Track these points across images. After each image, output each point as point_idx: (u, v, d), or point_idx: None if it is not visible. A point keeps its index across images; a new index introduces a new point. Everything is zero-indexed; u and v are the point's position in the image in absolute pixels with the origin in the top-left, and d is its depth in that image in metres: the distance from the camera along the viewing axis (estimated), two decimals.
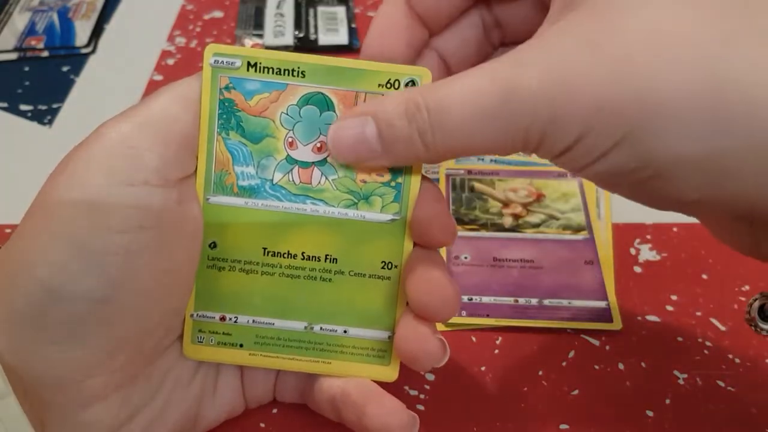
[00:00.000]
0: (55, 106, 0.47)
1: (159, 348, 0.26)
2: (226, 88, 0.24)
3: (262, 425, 0.29)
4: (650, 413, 0.30)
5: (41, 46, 0.51)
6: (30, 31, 0.53)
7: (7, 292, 0.22)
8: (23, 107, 0.47)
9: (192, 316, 0.26)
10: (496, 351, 0.32)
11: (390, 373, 0.27)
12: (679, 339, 0.32)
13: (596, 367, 0.31)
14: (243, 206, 0.25)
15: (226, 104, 0.25)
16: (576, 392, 0.30)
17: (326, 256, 0.26)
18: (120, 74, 0.49)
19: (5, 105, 0.47)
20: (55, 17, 0.54)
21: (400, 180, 0.25)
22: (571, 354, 0.32)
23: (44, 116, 0.46)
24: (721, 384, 0.30)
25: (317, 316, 0.26)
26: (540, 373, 0.31)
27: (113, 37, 0.53)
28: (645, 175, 0.20)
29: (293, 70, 0.25)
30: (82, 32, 0.52)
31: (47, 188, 0.23)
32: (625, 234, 0.37)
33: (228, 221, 0.25)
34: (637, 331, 0.33)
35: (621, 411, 0.30)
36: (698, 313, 0.33)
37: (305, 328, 0.26)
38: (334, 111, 0.25)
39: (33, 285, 0.22)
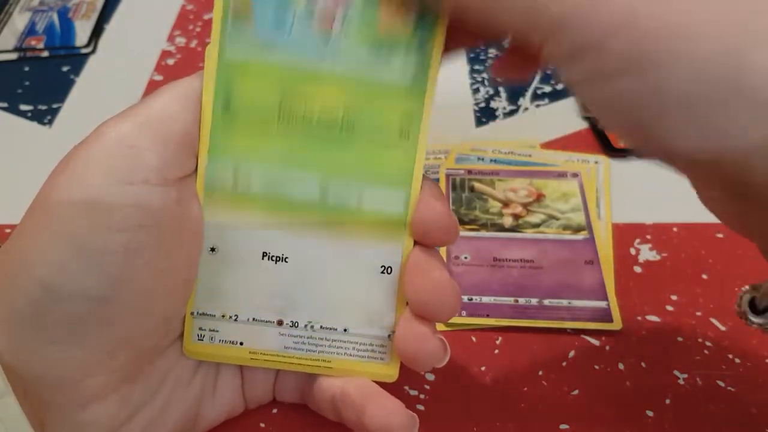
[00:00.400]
0: (55, 106, 0.47)
1: (159, 347, 0.26)
2: None
3: (262, 425, 0.29)
4: (650, 413, 0.30)
5: (41, 46, 0.51)
6: (30, 31, 0.53)
7: (7, 291, 0.22)
8: (23, 107, 0.47)
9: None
10: (496, 351, 0.32)
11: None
12: (679, 339, 0.32)
13: (596, 367, 0.31)
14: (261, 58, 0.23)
15: None
16: (576, 392, 0.30)
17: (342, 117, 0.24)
18: (120, 74, 0.49)
19: (5, 105, 0.47)
20: (55, 17, 0.54)
21: (422, 37, 0.23)
22: (571, 354, 0.32)
23: (44, 116, 0.46)
24: (721, 384, 0.30)
25: (332, 174, 0.24)
26: (540, 373, 0.31)
27: (113, 37, 0.53)
28: (647, 114, 0.19)
29: None
30: (82, 32, 0.52)
31: (47, 188, 0.23)
32: (625, 234, 0.37)
33: (245, 74, 0.23)
34: (637, 331, 0.33)
35: (621, 411, 0.30)
36: (698, 313, 0.33)
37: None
38: None
39: (33, 284, 0.22)
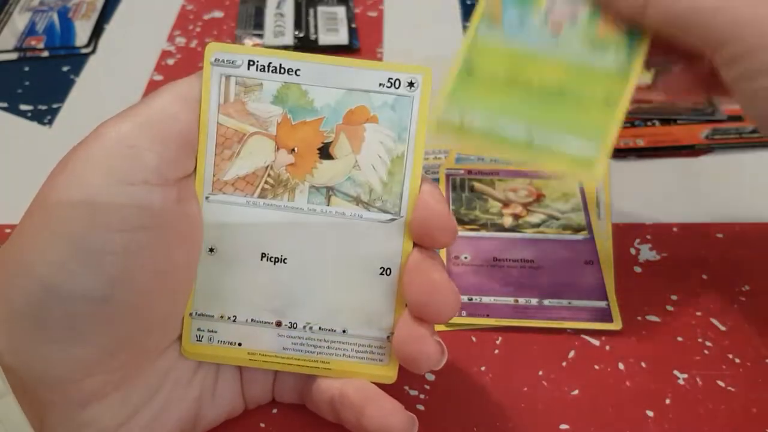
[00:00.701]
0: (55, 106, 0.47)
1: (158, 348, 0.26)
2: None
3: (262, 425, 0.29)
4: (650, 413, 0.30)
5: (41, 46, 0.51)
6: (30, 31, 0.53)
7: (7, 291, 0.22)
8: (23, 107, 0.47)
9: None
10: (496, 351, 0.32)
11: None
12: (679, 339, 0.32)
13: (596, 367, 0.31)
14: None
15: None
16: (576, 392, 0.30)
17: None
18: (120, 74, 0.49)
19: (5, 105, 0.47)
20: (55, 17, 0.54)
21: (630, 44, 0.29)
22: (571, 354, 0.32)
23: (44, 116, 0.46)
24: (721, 384, 0.30)
25: (539, 124, 0.29)
26: (540, 373, 0.31)
27: (113, 37, 0.53)
28: None
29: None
30: (82, 32, 0.52)
31: (47, 187, 0.23)
32: (625, 234, 0.37)
33: (489, 53, 0.30)
34: (637, 331, 0.33)
35: (621, 411, 0.30)
36: (698, 313, 0.33)
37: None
38: None
39: (32, 284, 0.22)
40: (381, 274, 0.26)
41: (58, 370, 0.22)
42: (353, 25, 0.52)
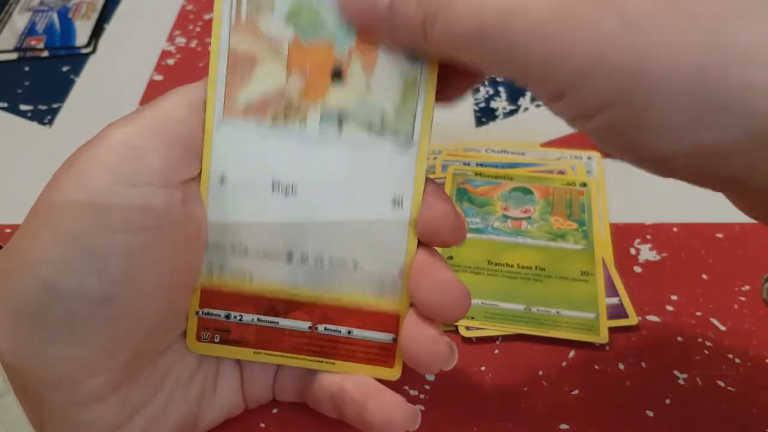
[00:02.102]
0: (55, 106, 0.47)
1: (159, 348, 0.26)
2: None
3: (262, 425, 0.29)
4: (650, 413, 0.30)
5: (41, 46, 0.51)
6: (30, 31, 0.53)
7: (9, 290, 0.22)
8: (23, 107, 0.47)
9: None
10: (496, 351, 0.32)
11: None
12: (679, 339, 0.32)
13: (596, 367, 0.31)
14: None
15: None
16: (576, 392, 0.30)
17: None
18: (120, 74, 0.49)
19: (5, 105, 0.47)
20: (55, 17, 0.54)
21: (585, 228, 0.35)
22: (571, 354, 0.32)
23: (44, 116, 0.46)
24: (721, 384, 0.30)
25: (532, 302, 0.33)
26: (540, 373, 0.31)
27: (113, 37, 0.53)
28: (630, 141, 0.20)
29: None
30: (82, 32, 0.52)
31: (51, 187, 0.23)
32: (625, 234, 0.37)
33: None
34: (637, 331, 0.33)
35: (621, 411, 0.30)
36: (698, 313, 0.33)
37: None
38: None
39: (35, 284, 0.22)
40: (393, 203, 0.24)
41: (58, 370, 0.22)
42: None
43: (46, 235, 0.22)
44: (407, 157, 0.24)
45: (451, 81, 0.24)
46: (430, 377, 0.31)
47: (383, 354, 0.26)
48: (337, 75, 0.24)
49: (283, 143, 0.24)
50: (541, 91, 0.20)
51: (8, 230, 0.39)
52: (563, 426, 0.29)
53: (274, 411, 0.30)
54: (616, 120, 0.19)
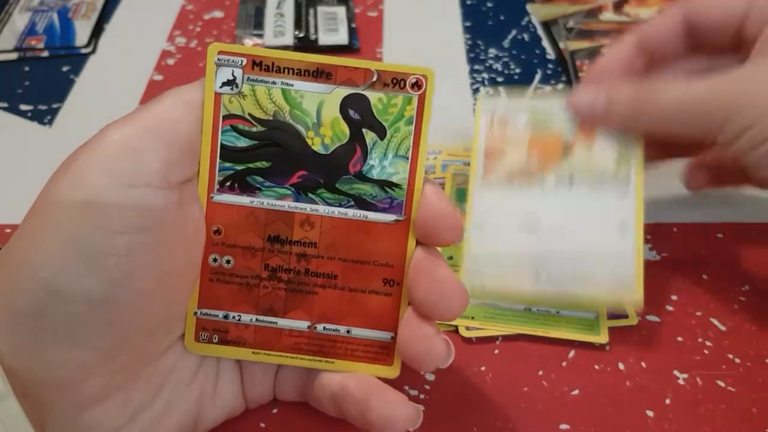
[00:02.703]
0: (55, 106, 0.47)
1: (159, 349, 0.26)
2: None
3: (262, 425, 0.29)
4: (650, 413, 0.30)
5: (41, 46, 0.51)
6: (30, 31, 0.53)
7: (8, 292, 0.22)
8: (23, 107, 0.47)
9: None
10: (496, 351, 0.32)
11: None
12: (679, 339, 0.32)
13: (596, 367, 0.31)
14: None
15: None
16: (576, 392, 0.30)
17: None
18: (120, 74, 0.49)
19: (5, 105, 0.47)
20: (55, 17, 0.54)
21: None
22: (571, 354, 0.32)
23: (44, 116, 0.46)
24: (721, 384, 0.30)
25: None
26: (540, 373, 0.31)
27: (113, 37, 0.53)
28: None
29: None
30: (82, 32, 0.52)
31: (49, 188, 0.23)
32: None
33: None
34: (637, 331, 0.33)
35: (621, 411, 0.30)
36: (698, 313, 0.33)
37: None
38: None
39: (33, 285, 0.22)
40: (620, 230, 0.31)
41: (58, 372, 0.22)
42: (353, 25, 0.52)
43: (44, 236, 0.22)
44: (627, 200, 0.32)
45: (654, 149, 0.34)
46: (431, 377, 0.31)
47: (382, 352, 0.27)
48: (566, 152, 0.33)
49: (526, 199, 0.32)
50: (720, 140, 0.30)
51: (8, 230, 0.39)
52: (563, 426, 0.29)
53: (274, 411, 0.30)
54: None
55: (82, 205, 0.22)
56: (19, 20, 0.54)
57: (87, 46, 0.51)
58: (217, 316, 0.26)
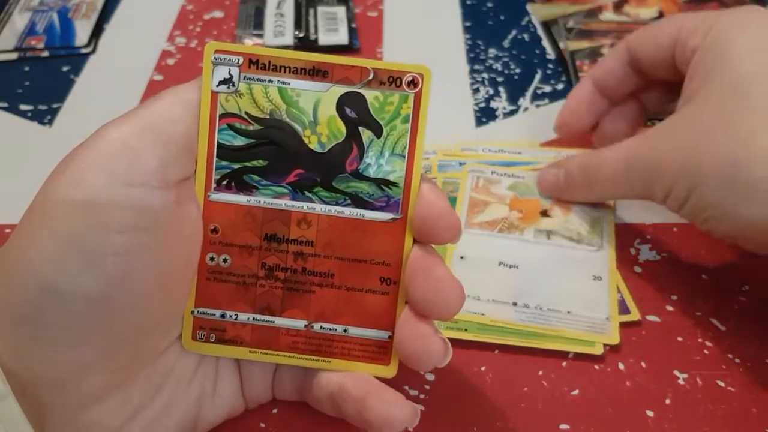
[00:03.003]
0: (55, 106, 0.47)
1: (158, 348, 0.26)
2: None
3: (262, 425, 0.29)
4: (650, 413, 0.30)
5: (41, 46, 0.51)
6: (30, 31, 0.53)
7: (6, 291, 0.22)
8: (23, 107, 0.47)
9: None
10: (496, 351, 0.32)
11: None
12: (679, 339, 0.32)
13: (596, 367, 0.31)
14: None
15: None
16: (576, 392, 0.30)
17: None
18: (120, 74, 0.49)
19: (5, 105, 0.47)
20: (55, 17, 0.54)
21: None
22: (571, 354, 0.32)
23: (44, 116, 0.46)
24: (721, 384, 0.30)
25: None
26: (540, 373, 0.31)
27: (113, 37, 0.53)
28: (708, 215, 0.30)
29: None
30: (82, 32, 0.52)
31: (47, 188, 0.23)
32: (625, 234, 0.37)
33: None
34: (637, 331, 0.33)
35: (621, 411, 0.30)
36: (698, 313, 0.33)
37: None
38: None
39: (32, 284, 0.22)
40: (594, 279, 0.34)
41: (57, 371, 0.22)
42: (353, 25, 0.52)
43: (42, 235, 0.22)
44: (600, 253, 0.35)
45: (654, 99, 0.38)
46: (430, 377, 0.31)
47: (379, 352, 0.27)
48: (544, 214, 0.37)
49: (506, 242, 0.36)
50: (656, 200, 0.32)
51: (8, 230, 0.39)
52: (563, 426, 0.29)
53: (274, 411, 0.30)
54: (694, 206, 0.30)
55: (80, 204, 0.22)
56: (19, 20, 0.54)
57: (87, 46, 0.51)
58: (214, 315, 0.26)
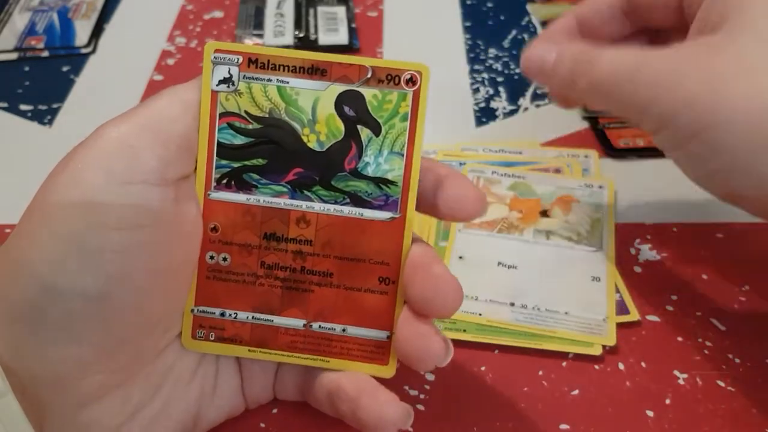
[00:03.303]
0: (55, 106, 0.47)
1: (158, 346, 0.26)
2: None
3: (262, 425, 0.29)
4: (650, 413, 0.29)
5: (41, 46, 0.51)
6: (30, 31, 0.53)
7: (6, 290, 0.22)
8: (23, 107, 0.47)
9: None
10: (496, 351, 0.32)
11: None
12: (679, 339, 0.32)
13: (596, 367, 0.31)
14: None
15: None
16: (576, 392, 0.30)
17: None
18: (120, 74, 0.49)
19: (5, 105, 0.47)
20: (55, 17, 0.54)
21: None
22: (571, 354, 0.32)
23: (44, 116, 0.46)
24: (721, 384, 0.30)
25: None
26: (540, 373, 0.31)
27: (113, 37, 0.53)
28: (714, 166, 0.26)
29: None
30: (82, 32, 0.52)
31: (46, 187, 0.23)
32: (625, 234, 0.37)
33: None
34: (637, 331, 0.32)
35: (621, 411, 0.30)
36: (698, 313, 0.33)
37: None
38: None
39: (31, 283, 0.22)
40: (593, 280, 0.34)
41: (56, 370, 0.22)
42: (353, 25, 0.52)
43: (42, 234, 0.22)
44: (599, 254, 0.35)
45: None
46: (430, 377, 0.31)
47: (377, 351, 0.26)
48: (544, 214, 0.37)
49: (506, 242, 0.36)
50: (645, 125, 0.28)
51: (8, 230, 0.39)
52: (563, 426, 0.29)
53: (274, 411, 0.30)
54: (698, 151, 0.26)
55: (79, 203, 0.22)
56: (19, 20, 0.54)
57: (87, 46, 0.51)
58: (214, 313, 0.26)
